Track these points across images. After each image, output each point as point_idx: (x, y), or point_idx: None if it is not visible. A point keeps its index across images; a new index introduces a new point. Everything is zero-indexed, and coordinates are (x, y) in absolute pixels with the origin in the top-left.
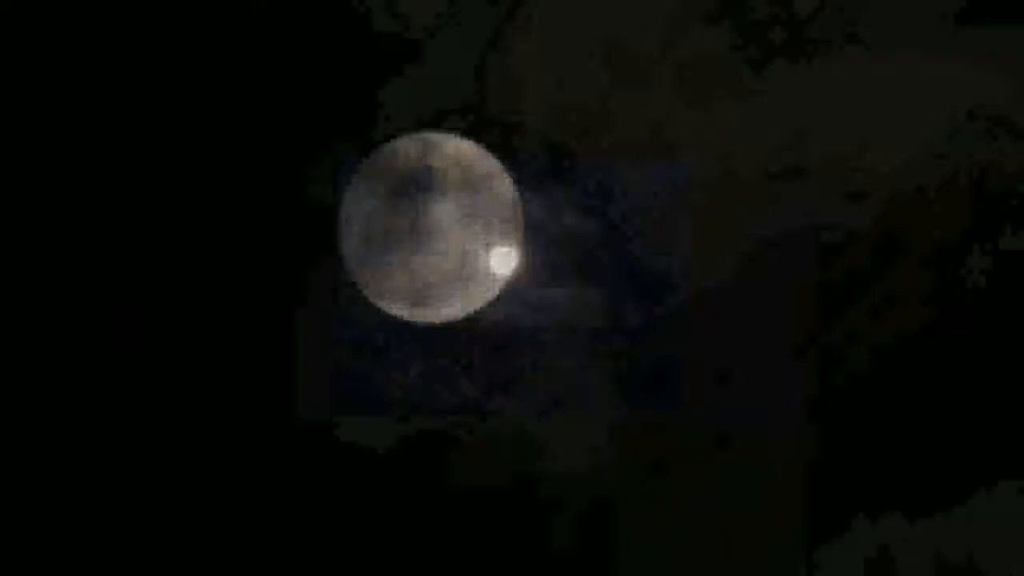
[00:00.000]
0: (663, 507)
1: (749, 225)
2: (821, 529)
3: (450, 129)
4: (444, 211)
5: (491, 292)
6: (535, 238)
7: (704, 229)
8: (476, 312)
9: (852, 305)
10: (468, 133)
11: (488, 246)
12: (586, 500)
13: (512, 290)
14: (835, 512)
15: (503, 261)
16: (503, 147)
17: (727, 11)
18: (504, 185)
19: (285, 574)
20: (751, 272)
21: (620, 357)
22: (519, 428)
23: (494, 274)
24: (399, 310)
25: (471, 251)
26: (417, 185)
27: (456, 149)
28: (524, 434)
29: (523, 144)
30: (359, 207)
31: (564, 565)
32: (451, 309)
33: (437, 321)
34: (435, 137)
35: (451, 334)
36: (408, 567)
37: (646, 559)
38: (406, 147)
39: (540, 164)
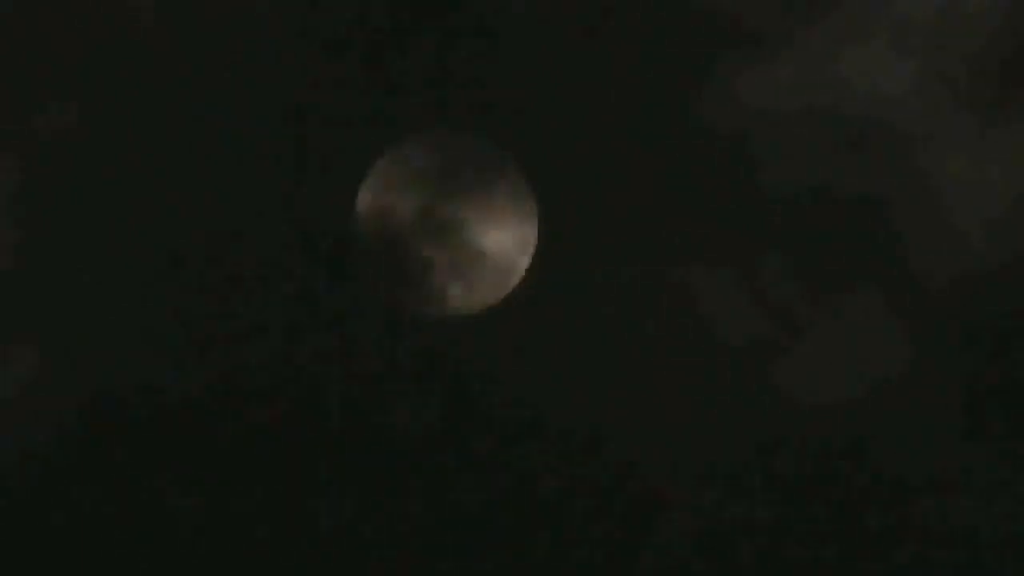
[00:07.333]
0: None
1: None
2: None
3: (465, 125)
4: (459, 205)
5: (505, 286)
6: None
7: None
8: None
9: None
10: (482, 127)
11: (502, 239)
12: None
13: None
14: None
15: (516, 255)
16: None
17: None
18: (518, 179)
19: None
20: None
21: None
22: None
23: (508, 267)
24: (413, 303)
25: (484, 245)
26: (433, 179)
27: (471, 143)
28: None
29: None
30: (375, 200)
31: None
32: (464, 302)
33: (450, 314)
34: (451, 132)
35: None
36: None
37: None
38: (423, 141)
39: None
